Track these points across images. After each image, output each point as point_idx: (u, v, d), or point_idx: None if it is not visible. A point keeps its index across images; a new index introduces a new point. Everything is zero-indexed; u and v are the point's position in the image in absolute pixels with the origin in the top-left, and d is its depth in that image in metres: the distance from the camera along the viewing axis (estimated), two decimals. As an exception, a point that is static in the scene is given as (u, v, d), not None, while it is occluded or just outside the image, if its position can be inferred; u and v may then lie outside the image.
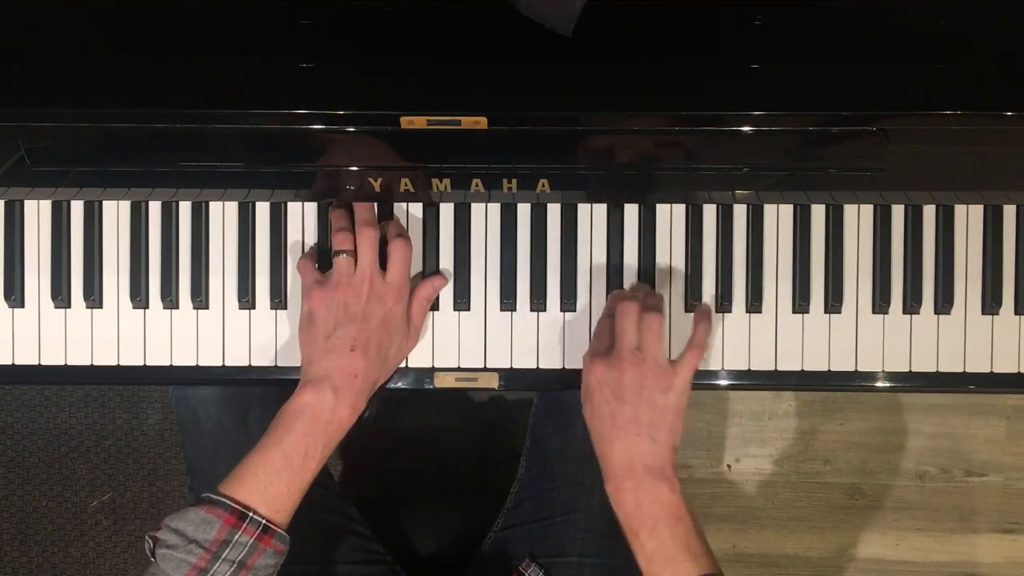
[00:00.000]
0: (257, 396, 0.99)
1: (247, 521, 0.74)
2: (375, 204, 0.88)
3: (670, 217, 0.90)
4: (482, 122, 0.78)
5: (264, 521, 0.75)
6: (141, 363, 0.91)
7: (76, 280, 0.91)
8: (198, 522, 0.74)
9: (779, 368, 0.90)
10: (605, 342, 0.82)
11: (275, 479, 0.77)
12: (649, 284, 0.90)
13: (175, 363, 0.91)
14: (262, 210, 0.90)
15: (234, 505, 0.75)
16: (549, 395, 1.03)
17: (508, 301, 0.90)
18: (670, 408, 0.80)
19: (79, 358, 0.91)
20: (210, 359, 0.91)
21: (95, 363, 0.91)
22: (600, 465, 0.81)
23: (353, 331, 0.81)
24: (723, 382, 0.91)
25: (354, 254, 0.83)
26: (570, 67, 0.79)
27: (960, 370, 0.90)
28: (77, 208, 0.90)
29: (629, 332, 0.80)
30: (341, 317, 0.82)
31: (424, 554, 1.08)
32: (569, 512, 0.97)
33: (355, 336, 0.81)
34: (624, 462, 0.78)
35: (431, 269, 0.90)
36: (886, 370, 0.90)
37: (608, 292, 0.90)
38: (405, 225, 0.90)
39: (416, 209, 0.90)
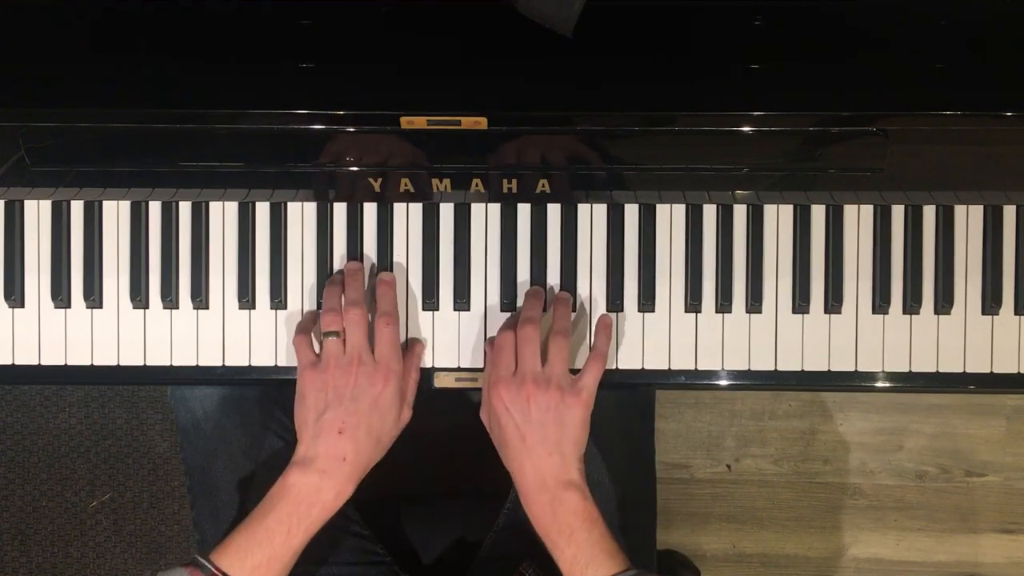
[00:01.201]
0: (256, 397, 0.99)
1: None
2: (363, 280, 0.88)
3: (670, 217, 0.90)
4: (482, 122, 0.78)
5: None
6: (141, 363, 0.91)
7: (76, 280, 0.91)
8: None
9: (779, 368, 0.90)
10: (507, 363, 0.83)
11: (255, 551, 0.79)
12: (652, 285, 0.90)
13: (175, 363, 0.91)
14: (262, 210, 0.90)
15: (214, 570, 0.78)
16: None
17: (508, 301, 0.90)
18: (577, 423, 0.82)
19: (79, 358, 0.91)
20: (210, 359, 0.91)
21: (95, 363, 0.91)
22: (513, 480, 0.83)
23: (341, 413, 0.82)
24: (723, 382, 0.91)
25: (343, 335, 0.84)
26: (570, 67, 0.79)
27: (960, 370, 0.90)
28: (77, 208, 0.90)
29: (533, 357, 0.82)
30: (331, 399, 0.82)
31: (424, 555, 1.08)
32: (569, 512, 0.97)
33: (343, 419, 0.81)
34: (536, 479, 0.81)
35: (431, 269, 0.90)
36: (886, 370, 0.90)
37: (608, 292, 0.90)
38: (405, 225, 0.90)
39: (416, 209, 0.90)
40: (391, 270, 0.90)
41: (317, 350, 0.87)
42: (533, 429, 0.81)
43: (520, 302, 0.90)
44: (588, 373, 0.84)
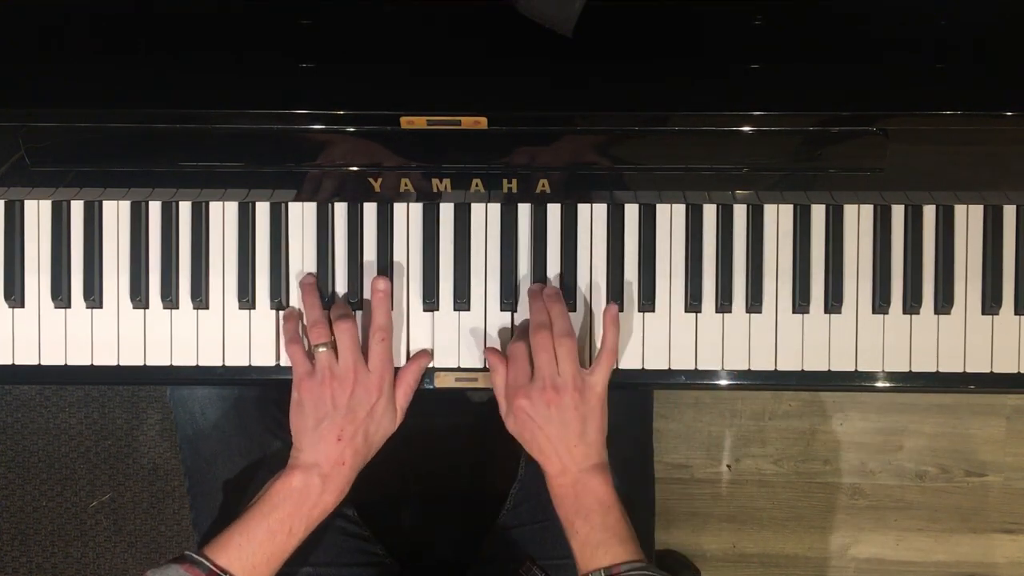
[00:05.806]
0: (254, 398, 0.99)
1: None
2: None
3: (670, 217, 0.90)
4: (482, 122, 0.78)
5: None
6: (141, 363, 0.91)
7: (76, 280, 0.91)
8: None
9: (779, 368, 0.90)
10: (524, 371, 0.85)
11: (256, 551, 0.81)
12: (652, 285, 0.90)
13: (175, 363, 0.91)
14: (262, 210, 0.90)
15: (212, 567, 0.78)
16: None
17: (508, 301, 0.90)
18: (595, 411, 0.85)
19: (79, 358, 0.91)
20: (210, 359, 0.91)
21: (95, 363, 0.91)
22: (541, 468, 0.86)
23: (339, 422, 0.84)
24: (723, 382, 0.91)
25: (333, 345, 0.85)
26: (570, 67, 0.79)
27: (960, 370, 0.90)
28: (77, 208, 0.90)
29: (548, 364, 0.84)
30: (329, 409, 0.84)
31: (423, 555, 1.08)
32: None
33: (342, 427, 0.84)
34: (562, 467, 0.84)
35: (431, 269, 0.90)
36: (886, 370, 0.90)
37: (608, 293, 0.90)
38: (405, 225, 0.90)
39: (416, 209, 0.90)
40: (391, 270, 0.90)
41: (306, 347, 0.87)
42: (556, 429, 0.83)
43: (521, 302, 0.90)
44: (600, 369, 0.86)
